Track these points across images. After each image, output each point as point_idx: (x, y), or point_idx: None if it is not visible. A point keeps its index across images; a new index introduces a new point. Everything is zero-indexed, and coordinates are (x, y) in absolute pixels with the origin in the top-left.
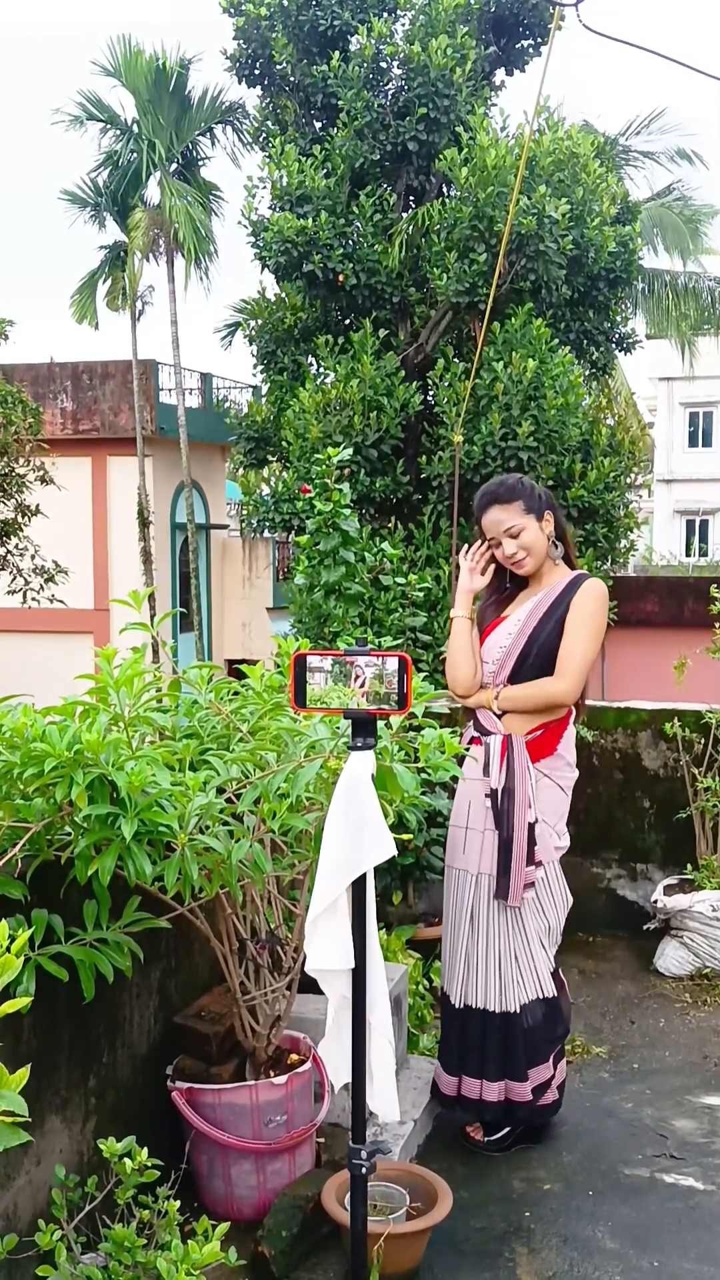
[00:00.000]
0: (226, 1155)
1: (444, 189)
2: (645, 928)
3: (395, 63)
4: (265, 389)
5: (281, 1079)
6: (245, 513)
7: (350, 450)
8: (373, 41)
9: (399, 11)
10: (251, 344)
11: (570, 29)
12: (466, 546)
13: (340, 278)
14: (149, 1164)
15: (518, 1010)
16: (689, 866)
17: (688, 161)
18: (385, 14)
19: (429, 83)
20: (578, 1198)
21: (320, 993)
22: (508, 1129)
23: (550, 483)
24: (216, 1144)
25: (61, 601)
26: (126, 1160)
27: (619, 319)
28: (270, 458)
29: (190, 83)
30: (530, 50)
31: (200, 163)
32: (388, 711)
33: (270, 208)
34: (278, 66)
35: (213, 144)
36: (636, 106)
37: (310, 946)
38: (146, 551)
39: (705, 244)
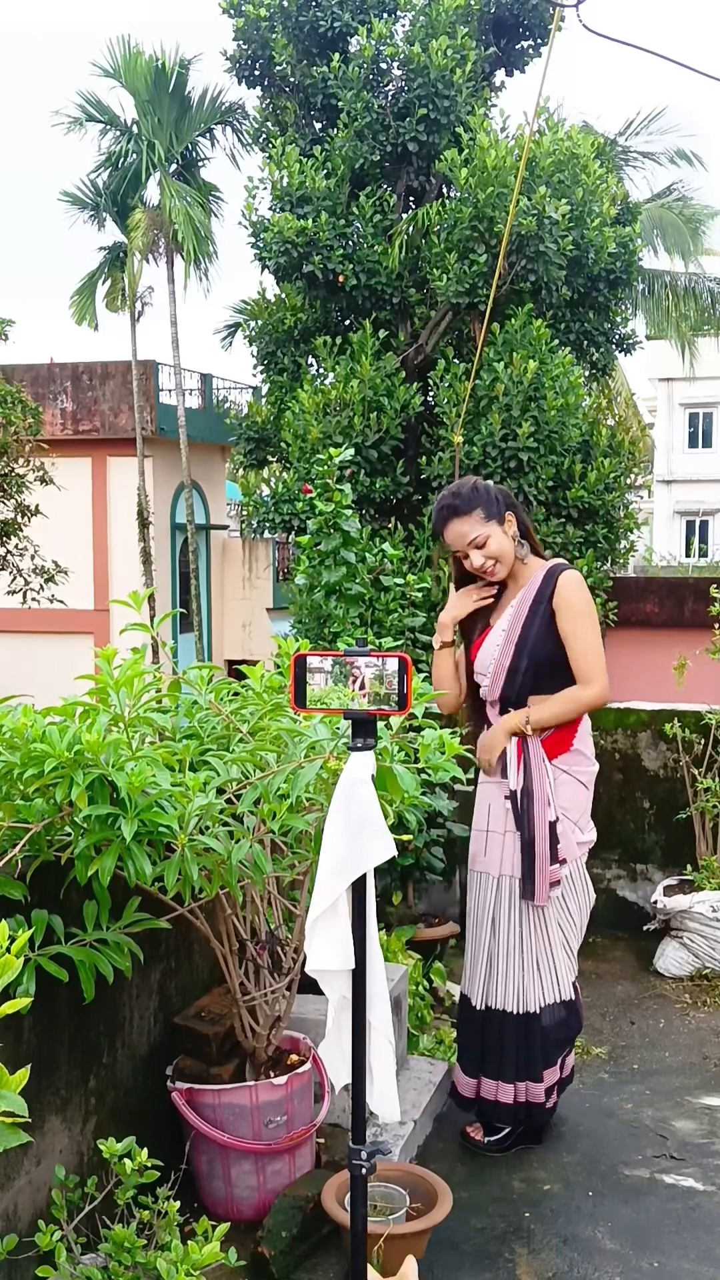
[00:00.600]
0: (226, 1156)
1: (444, 190)
2: (645, 928)
3: (395, 64)
4: (265, 389)
5: (281, 1079)
6: (245, 513)
7: (351, 451)
8: (373, 42)
9: (399, 12)
10: (251, 345)
11: (570, 29)
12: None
13: (340, 278)
14: (149, 1164)
15: (538, 1011)
16: (689, 867)
17: (687, 162)
18: (385, 15)
19: (429, 84)
20: (578, 1198)
21: (320, 993)
22: (508, 1129)
23: (550, 483)
24: (216, 1144)
25: (61, 602)
26: (126, 1161)
27: (619, 320)
28: (270, 458)
29: (190, 83)
30: (530, 51)
31: (200, 163)
32: (388, 712)
33: (270, 208)
34: (278, 67)
35: (212, 144)
36: (636, 107)
37: (310, 947)
38: (146, 552)
39: (705, 245)
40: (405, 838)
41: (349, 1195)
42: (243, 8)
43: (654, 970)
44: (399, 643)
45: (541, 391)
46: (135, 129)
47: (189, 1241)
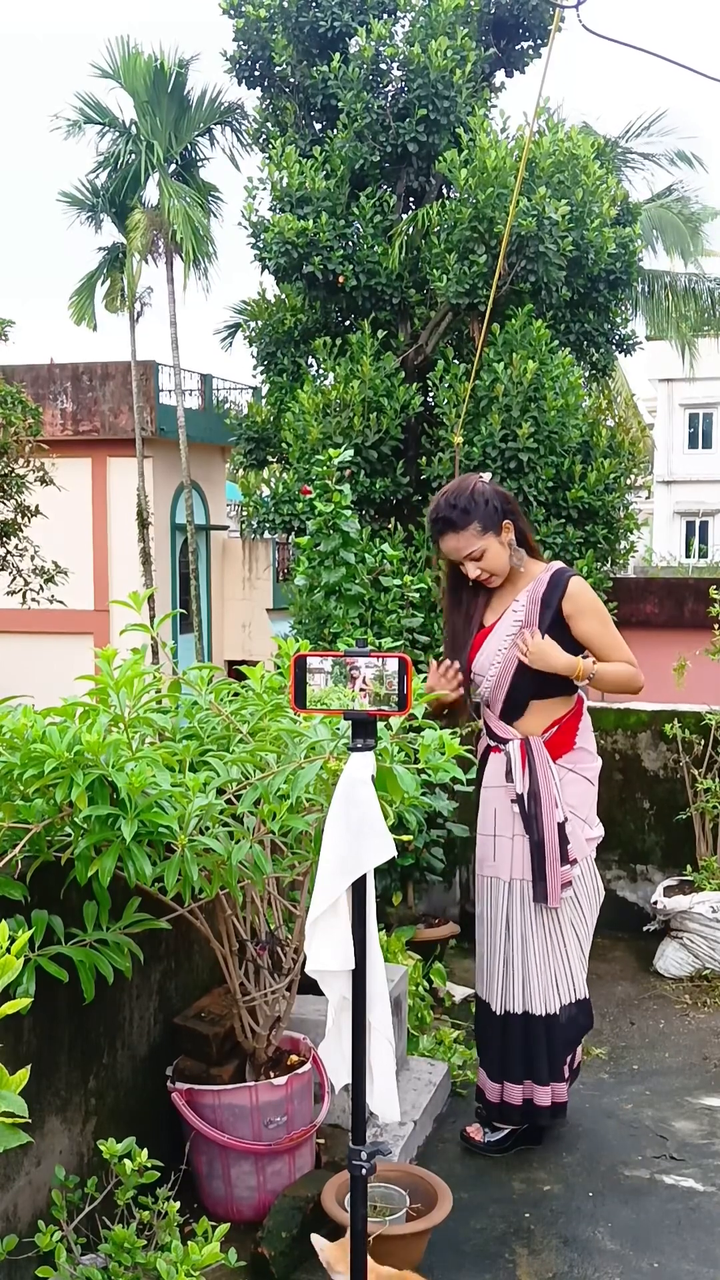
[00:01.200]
0: (226, 1156)
1: (444, 190)
2: (645, 929)
3: (395, 64)
4: (265, 390)
5: (281, 1080)
6: (245, 514)
7: (350, 451)
8: (372, 43)
9: (399, 13)
10: (251, 345)
11: (570, 30)
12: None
13: (340, 279)
14: (149, 1165)
15: (557, 1012)
16: (689, 868)
17: (687, 164)
18: (385, 15)
19: (429, 84)
20: (578, 1199)
21: (320, 993)
22: (508, 1130)
23: (550, 484)
24: (216, 1145)
25: (61, 602)
26: (126, 1161)
27: (619, 320)
28: (270, 459)
29: (189, 83)
30: (530, 52)
31: (199, 164)
32: (388, 713)
33: (270, 209)
34: (277, 68)
35: (212, 145)
36: (636, 108)
37: (310, 947)
38: (146, 552)
39: (705, 245)
40: (405, 838)
41: (349, 1196)
42: (243, 8)
43: (654, 971)
44: (398, 643)
45: (541, 392)
46: (134, 129)
47: (189, 1242)
